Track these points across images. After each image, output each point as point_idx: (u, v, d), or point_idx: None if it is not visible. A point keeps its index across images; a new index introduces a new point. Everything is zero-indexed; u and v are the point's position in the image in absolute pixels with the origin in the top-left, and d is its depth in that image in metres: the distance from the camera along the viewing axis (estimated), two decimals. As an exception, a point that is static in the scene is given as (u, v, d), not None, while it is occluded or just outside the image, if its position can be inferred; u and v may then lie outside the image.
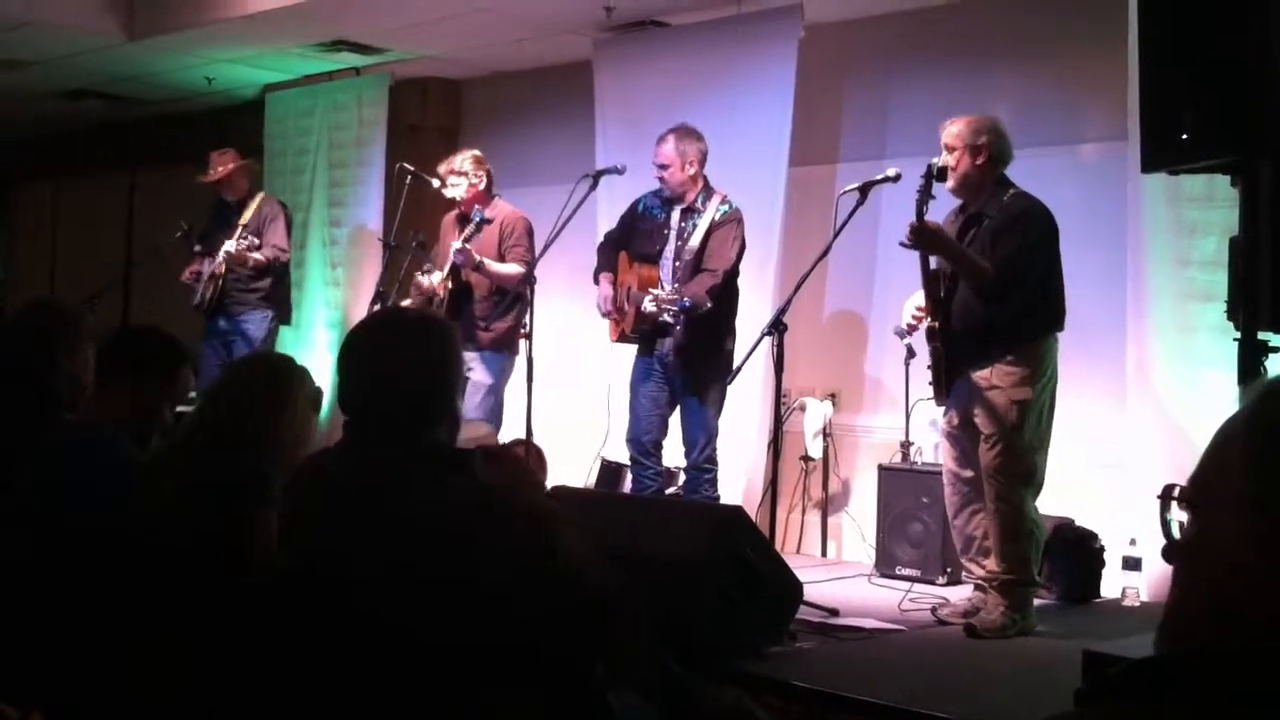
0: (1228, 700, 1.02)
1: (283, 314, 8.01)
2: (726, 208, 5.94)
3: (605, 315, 6.12)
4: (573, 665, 2.14)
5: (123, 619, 2.68)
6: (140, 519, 2.80)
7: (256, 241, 7.60)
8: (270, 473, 2.78)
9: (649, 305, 5.68)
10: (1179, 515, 1.19)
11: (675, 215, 6.01)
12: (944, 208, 5.04)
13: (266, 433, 2.89)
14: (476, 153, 6.72)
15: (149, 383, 3.28)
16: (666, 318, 5.76)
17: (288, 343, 8.90)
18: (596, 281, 6.16)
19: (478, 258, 6.32)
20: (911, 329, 5.08)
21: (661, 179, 5.98)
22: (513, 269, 6.39)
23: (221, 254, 7.58)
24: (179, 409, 3.42)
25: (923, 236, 4.79)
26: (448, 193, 6.66)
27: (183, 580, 2.64)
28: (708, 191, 6.00)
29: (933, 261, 4.90)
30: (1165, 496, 1.22)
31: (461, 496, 2.20)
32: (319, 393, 3.10)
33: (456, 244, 6.33)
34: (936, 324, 4.89)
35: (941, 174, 4.85)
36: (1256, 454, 1.10)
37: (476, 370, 6.41)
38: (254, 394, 2.93)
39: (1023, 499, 4.82)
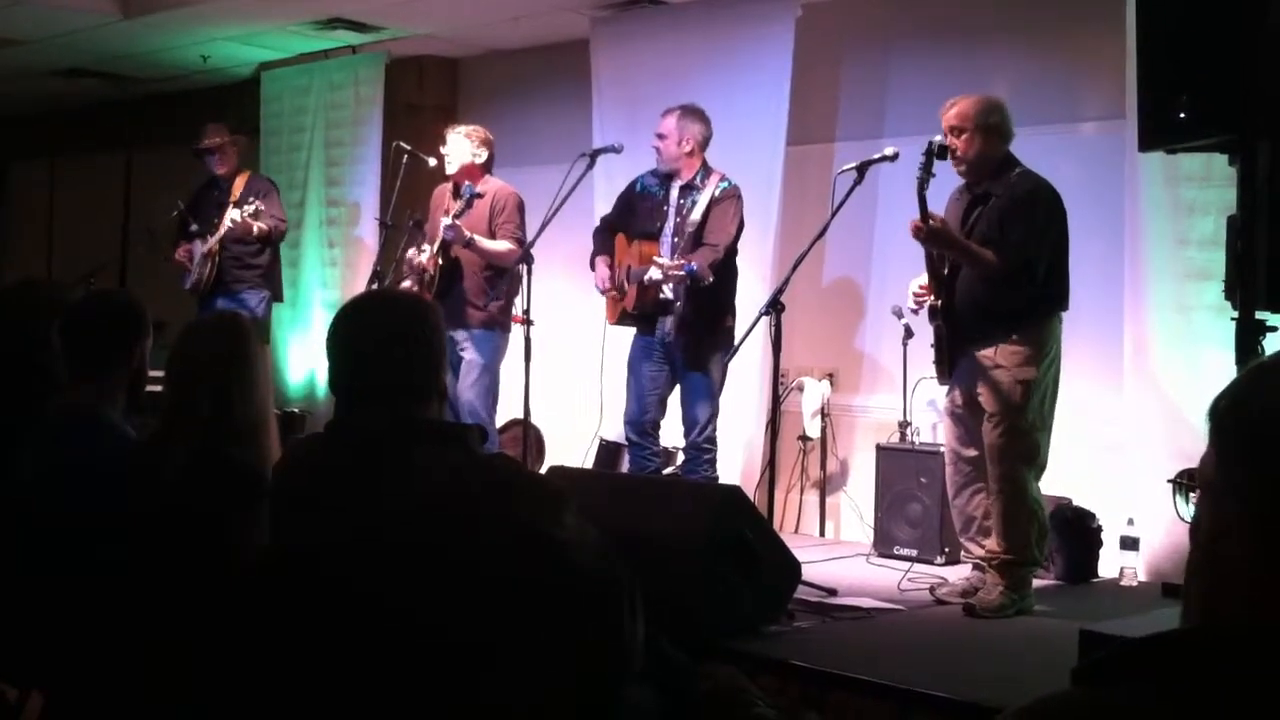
0: (1210, 682, 1.03)
1: (276, 292, 7.94)
2: (726, 184, 5.94)
3: (604, 294, 6.12)
4: (573, 647, 2.13)
5: (120, 609, 2.68)
6: (134, 511, 2.80)
7: (262, 207, 7.47)
8: (259, 464, 2.79)
9: (654, 274, 5.68)
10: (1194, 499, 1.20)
11: (674, 193, 6.00)
12: (944, 185, 5.03)
13: (246, 415, 2.90)
14: (484, 131, 6.66)
15: (138, 351, 3.25)
16: (667, 290, 5.76)
17: (285, 323, 8.91)
18: (593, 266, 6.14)
19: (467, 234, 6.26)
20: (918, 305, 5.08)
21: (656, 148, 5.98)
22: (504, 246, 6.35)
23: (227, 221, 7.45)
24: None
25: (930, 236, 4.78)
26: (445, 150, 6.58)
27: (178, 572, 2.64)
28: (706, 170, 5.99)
29: None
30: (1176, 482, 1.24)
31: (463, 471, 2.19)
32: (258, 326, 3.12)
33: (446, 220, 6.29)
34: (939, 302, 4.89)
35: (943, 152, 4.83)
36: (1231, 439, 1.12)
37: (469, 351, 6.38)
38: (224, 377, 2.92)
39: (1025, 479, 4.82)
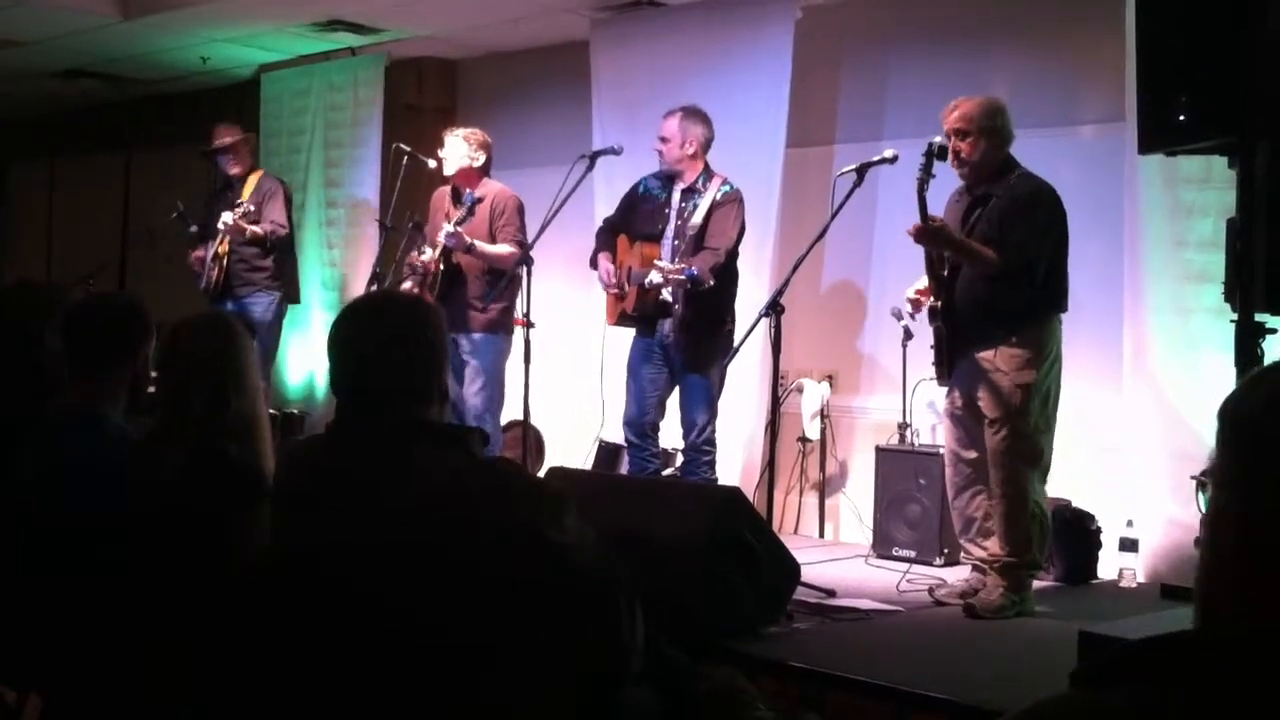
0: (1210, 683, 1.03)
1: (291, 293, 7.89)
2: (728, 188, 5.94)
3: (607, 289, 6.10)
4: (573, 648, 2.13)
5: (120, 609, 2.68)
6: (134, 511, 2.80)
7: (253, 209, 7.48)
8: (259, 464, 2.79)
9: (654, 277, 5.68)
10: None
11: (676, 195, 6.00)
12: (943, 187, 5.04)
13: (241, 411, 2.91)
14: (482, 134, 6.65)
15: (140, 353, 3.25)
16: (666, 294, 5.76)
17: (285, 322, 8.89)
18: (594, 265, 6.14)
19: (469, 240, 6.26)
20: (915, 308, 5.08)
21: (659, 151, 5.98)
22: (505, 249, 6.34)
23: (220, 224, 7.44)
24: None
25: (928, 236, 4.79)
26: (443, 152, 6.58)
27: (178, 572, 2.64)
28: (708, 173, 5.99)
29: None
30: (1199, 479, 1.25)
31: (463, 473, 2.19)
32: (249, 323, 3.11)
33: (448, 227, 6.28)
34: (939, 304, 4.89)
35: (942, 153, 4.84)
36: (1234, 440, 1.12)
37: (472, 356, 6.37)
38: (220, 374, 2.93)
39: (1028, 482, 4.82)
